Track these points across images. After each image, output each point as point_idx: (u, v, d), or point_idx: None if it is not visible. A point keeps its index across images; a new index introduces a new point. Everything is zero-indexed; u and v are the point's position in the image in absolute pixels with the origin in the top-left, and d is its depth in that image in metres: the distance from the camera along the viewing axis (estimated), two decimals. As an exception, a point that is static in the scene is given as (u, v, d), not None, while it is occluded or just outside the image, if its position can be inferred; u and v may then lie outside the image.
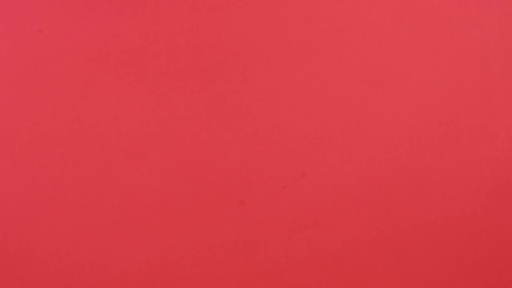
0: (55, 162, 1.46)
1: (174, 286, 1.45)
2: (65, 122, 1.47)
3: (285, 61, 1.48)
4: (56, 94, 1.47)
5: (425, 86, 1.47)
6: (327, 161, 1.47)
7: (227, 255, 1.46)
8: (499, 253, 1.46)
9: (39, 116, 1.47)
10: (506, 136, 1.46)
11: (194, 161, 1.46)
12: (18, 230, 1.46)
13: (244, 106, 1.47)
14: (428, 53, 1.48)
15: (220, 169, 1.46)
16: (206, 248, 1.46)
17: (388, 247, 1.46)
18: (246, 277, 1.45)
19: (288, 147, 1.47)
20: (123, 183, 1.46)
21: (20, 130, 1.47)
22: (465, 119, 1.47)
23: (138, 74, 1.48)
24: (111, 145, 1.47)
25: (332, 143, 1.47)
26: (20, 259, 1.45)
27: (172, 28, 1.49)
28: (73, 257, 1.45)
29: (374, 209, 1.46)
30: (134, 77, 1.48)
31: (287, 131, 1.47)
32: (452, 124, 1.47)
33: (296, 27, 1.48)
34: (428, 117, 1.47)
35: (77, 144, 1.46)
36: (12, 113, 1.47)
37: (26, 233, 1.45)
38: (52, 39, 1.49)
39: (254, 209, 1.46)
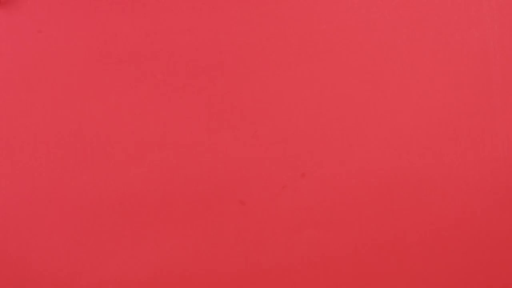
0: (55, 162, 1.46)
1: (174, 286, 1.45)
2: (65, 122, 1.47)
3: (285, 61, 1.48)
4: (56, 94, 1.47)
5: (425, 86, 1.47)
6: (327, 161, 1.47)
7: (227, 255, 1.46)
8: (499, 253, 1.46)
9: (39, 116, 1.47)
10: (506, 136, 1.46)
11: (194, 161, 1.46)
12: (18, 230, 1.46)
13: (244, 106, 1.47)
14: (428, 53, 1.48)
15: (220, 169, 1.46)
16: (206, 248, 1.46)
17: (388, 247, 1.46)
18: (246, 277, 1.45)
19: (288, 147, 1.47)
20: (123, 183, 1.46)
21: (20, 130, 1.47)
22: (465, 119, 1.47)
23: (138, 74, 1.48)
24: (111, 145, 1.47)
25: (332, 143, 1.47)
26: (20, 259, 1.45)
27: (172, 28, 1.48)
28: (73, 257, 1.45)
29: (374, 209, 1.46)
30: (134, 77, 1.48)
31: (287, 131, 1.47)
32: (452, 124, 1.47)
33: (296, 27, 1.48)
34: (428, 117, 1.47)
35: (77, 144, 1.46)
36: (12, 113, 1.47)
37: (26, 233, 1.45)
38: (52, 39, 1.48)
39: (254, 209, 1.46)
